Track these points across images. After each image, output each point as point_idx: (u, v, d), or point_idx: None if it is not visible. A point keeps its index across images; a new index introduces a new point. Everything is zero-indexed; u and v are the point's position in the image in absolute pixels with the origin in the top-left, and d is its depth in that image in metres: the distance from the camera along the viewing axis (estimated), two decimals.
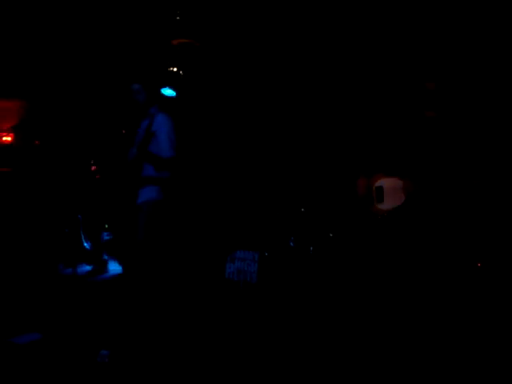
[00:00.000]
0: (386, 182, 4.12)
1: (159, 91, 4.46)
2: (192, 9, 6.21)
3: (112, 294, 5.16)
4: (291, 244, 5.27)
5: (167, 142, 4.12)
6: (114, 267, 6.21)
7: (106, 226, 6.66)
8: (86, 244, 6.04)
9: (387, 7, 5.08)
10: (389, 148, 4.34)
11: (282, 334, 3.98)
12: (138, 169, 4.17)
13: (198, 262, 5.32)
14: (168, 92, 6.25)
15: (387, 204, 4.09)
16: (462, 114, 4.21)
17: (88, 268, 6.05)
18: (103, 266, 6.04)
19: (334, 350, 3.70)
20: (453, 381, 3.23)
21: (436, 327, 3.81)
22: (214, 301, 4.75)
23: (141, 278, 4.27)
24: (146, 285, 4.31)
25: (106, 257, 6.11)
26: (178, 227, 5.14)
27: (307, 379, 3.31)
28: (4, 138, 6.68)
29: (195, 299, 4.76)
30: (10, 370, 3.34)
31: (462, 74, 4.43)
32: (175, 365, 3.48)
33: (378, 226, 4.24)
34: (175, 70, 6.63)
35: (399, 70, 4.91)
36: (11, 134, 6.66)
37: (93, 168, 6.26)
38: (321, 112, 5.68)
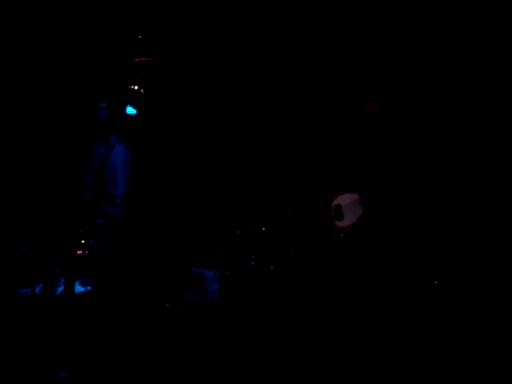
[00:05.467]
0: (342, 199, 4.15)
1: (124, 112, 4.40)
2: (155, 27, 6.24)
3: (67, 313, 5.06)
4: (252, 263, 5.31)
5: (123, 178, 4.09)
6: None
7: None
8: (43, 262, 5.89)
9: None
10: (341, 165, 4.36)
11: (244, 354, 4.01)
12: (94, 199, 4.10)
13: (157, 280, 5.28)
14: (129, 110, 6.23)
15: (347, 220, 4.13)
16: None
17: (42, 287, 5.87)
18: (53, 285, 5.89)
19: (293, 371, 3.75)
20: None
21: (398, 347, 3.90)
22: (175, 323, 4.71)
23: (99, 298, 4.22)
24: (104, 305, 4.26)
25: (60, 277, 5.95)
26: (137, 246, 5.10)
27: None
28: None
29: (155, 319, 4.72)
30: None
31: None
32: None
33: (338, 244, 4.27)
34: (136, 88, 6.62)
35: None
36: None
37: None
38: (278, 132, 5.78)
